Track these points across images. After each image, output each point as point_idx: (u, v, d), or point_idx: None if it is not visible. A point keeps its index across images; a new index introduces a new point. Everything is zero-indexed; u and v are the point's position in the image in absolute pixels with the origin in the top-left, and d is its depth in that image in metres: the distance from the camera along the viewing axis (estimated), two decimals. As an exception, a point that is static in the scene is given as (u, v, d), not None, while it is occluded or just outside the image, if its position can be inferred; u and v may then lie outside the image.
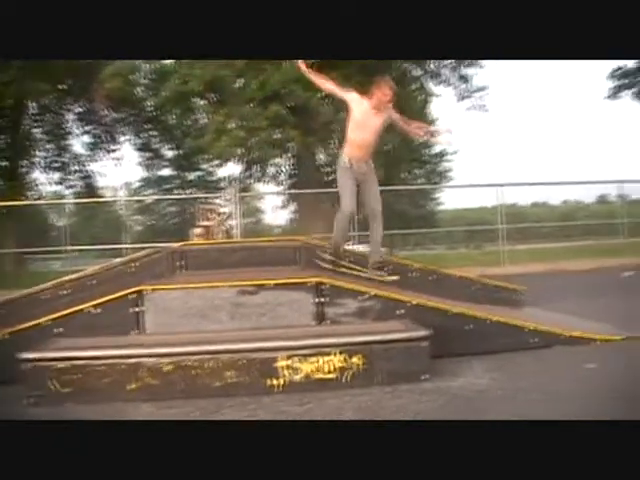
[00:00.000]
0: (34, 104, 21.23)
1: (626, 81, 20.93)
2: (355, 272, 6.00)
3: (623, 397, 3.74)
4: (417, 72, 18.77)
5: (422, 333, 4.35)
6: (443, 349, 4.54)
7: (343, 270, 5.97)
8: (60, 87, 20.73)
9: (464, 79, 18.70)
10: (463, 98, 19.10)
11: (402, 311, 5.01)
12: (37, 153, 22.32)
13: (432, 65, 18.48)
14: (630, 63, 20.73)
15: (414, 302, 5.10)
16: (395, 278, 5.85)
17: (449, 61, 18.22)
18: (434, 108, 28.97)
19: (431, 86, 19.43)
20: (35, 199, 22.10)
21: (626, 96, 21.18)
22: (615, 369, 4.51)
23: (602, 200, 24.46)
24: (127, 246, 14.39)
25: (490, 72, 47.32)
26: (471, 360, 4.80)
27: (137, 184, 30.65)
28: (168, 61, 16.89)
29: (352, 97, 5.57)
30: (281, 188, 19.77)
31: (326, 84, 5.67)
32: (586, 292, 8.44)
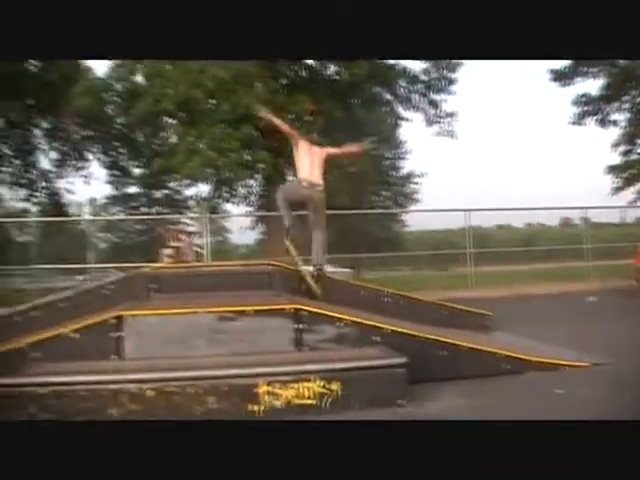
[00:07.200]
0: (1, 119, 20.98)
1: (589, 108, 21.58)
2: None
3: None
4: (387, 96, 18.97)
5: (398, 360, 4.46)
6: (419, 374, 4.63)
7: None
8: (28, 103, 20.55)
9: (434, 104, 18.98)
10: (432, 123, 19.38)
11: (378, 338, 5.13)
12: (3, 169, 21.98)
13: (402, 90, 18.70)
14: (593, 91, 21.45)
15: (390, 329, 5.21)
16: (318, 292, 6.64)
17: (419, 85, 18.48)
18: (404, 132, 29.18)
19: (401, 110, 19.64)
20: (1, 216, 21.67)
21: (590, 123, 21.87)
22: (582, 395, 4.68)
23: (565, 223, 24.94)
24: (92, 265, 14.18)
25: (459, 98, 48.55)
26: (446, 385, 4.93)
27: (103, 201, 30.44)
28: (140, 80, 16.81)
29: (296, 137, 7.17)
30: (251, 209, 19.72)
31: (282, 126, 7.13)
32: (551, 317, 8.69)
